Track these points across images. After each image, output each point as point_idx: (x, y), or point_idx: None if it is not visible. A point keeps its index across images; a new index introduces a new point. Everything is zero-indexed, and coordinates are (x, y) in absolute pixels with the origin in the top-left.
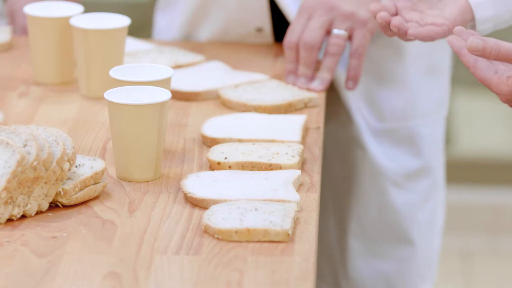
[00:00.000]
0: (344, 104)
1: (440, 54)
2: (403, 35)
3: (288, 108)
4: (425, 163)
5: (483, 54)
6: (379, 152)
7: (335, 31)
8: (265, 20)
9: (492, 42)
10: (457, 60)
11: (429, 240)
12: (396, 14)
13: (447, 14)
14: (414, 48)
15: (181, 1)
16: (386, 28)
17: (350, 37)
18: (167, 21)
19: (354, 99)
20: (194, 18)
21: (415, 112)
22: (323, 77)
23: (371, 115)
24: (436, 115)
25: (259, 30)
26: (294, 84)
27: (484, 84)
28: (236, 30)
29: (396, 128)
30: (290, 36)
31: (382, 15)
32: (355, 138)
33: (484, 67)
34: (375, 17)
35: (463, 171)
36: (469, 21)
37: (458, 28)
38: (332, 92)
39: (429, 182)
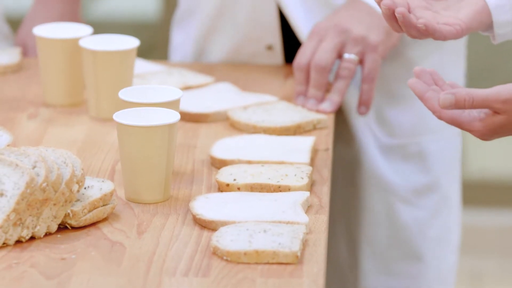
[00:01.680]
0: (353, 123)
1: (452, 70)
2: (411, 27)
3: (297, 130)
4: (433, 179)
5: (457, 106)
6: (387, 169)
7: (346, 55)
8: (275, 37)
9: (464, 93)
10: (471, 77)
11: (441, 256)
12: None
13: (462, 15)
14: (424, 64)
15: (196, 16)
16: (391, 18)
17: (360, 61)
18: (182, 36)
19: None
20: (207, 34)
21: (425, 128)
22: (333, 99)
23: (380, 131)
24: (447, 131)
25: (269, 47)
26: (303, 106)
27: (454, 125)
28: (247, 47)
29: (405, 144)
30: (301, 57)
31: (386, 2)
32: (363, 158)
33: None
34: (379, 5)
35: (474, 192)
36: (486, 24)
37: (417, 69)
38: (340, 114)
39: (437, 197)
